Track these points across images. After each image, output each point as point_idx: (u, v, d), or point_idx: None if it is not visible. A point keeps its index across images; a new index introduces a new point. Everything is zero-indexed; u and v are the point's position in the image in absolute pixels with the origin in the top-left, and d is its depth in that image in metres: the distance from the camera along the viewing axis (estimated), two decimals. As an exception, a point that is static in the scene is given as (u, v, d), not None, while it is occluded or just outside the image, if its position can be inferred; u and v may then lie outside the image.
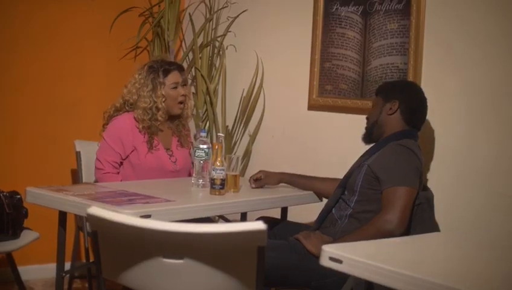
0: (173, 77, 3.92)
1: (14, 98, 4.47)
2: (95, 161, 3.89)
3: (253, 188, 3.70)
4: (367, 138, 3.50)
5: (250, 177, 3.75)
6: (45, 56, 4.54)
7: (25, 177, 4.36)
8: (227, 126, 4.81)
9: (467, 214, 3.65)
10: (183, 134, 4.08)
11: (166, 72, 3.90)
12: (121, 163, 3.91)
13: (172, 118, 4.01)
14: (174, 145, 4.02)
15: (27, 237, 3.82)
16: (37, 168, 4.53)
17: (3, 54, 4.38)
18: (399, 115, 3.38)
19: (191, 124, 5.04)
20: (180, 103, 3.95)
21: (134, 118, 3.89)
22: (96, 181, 3.89)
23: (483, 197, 3.59)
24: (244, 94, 4.77)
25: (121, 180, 3.81)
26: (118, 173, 3.88)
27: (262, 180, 3.71)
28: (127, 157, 3.88)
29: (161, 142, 3.95)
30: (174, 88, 3.91)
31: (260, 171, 3.75)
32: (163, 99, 3.88)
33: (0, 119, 4.43)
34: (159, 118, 3.90)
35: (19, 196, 3.79)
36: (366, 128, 3.49)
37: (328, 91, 4.31)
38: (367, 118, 3.50)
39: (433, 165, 3.79)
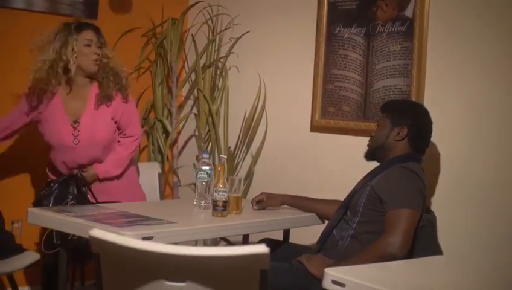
0: (87, 34, 3.85)
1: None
2: None
3: (255, 209, 3.69)
4: (370, 157, 3.49)
5: (253, 199, 3.74)
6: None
7: (25, 194, 4.34)
8: (230, 147, 4.81)
9: (470, 237, 3.64)
10: (106, 91, 3.90)
11: (79, 30, 3.84)
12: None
13: (93, 76, 3.92)
14: (88, 111, 3.89)
15: (28, 258, 3.81)
16: (35, 185, 4.48)
17: (3, 71, 4.36)
18: (406, 141, 3.37)
19: (193, 144, 5.06)
20: (95, 60, 3.86)
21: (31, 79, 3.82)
22: None
23: (486, 221, 3.58)
24: (247, 115, 4.77)
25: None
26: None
27: (264, 202, 3.70)
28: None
29: (67, 110, 3.86)
30: (87, 45, 3.84)
31: (262, 193, 3.74)
32: (74, 54, 3.80)
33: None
34: (71, 74, 3.81)
35: None
36: (370, 147, 3.48)
37: (331, 113, 4.31)
38: (372, 137, 3.48)
39: (437, 187, 3.79)
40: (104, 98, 3.88)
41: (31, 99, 3.83)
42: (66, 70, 3.81)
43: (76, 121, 3.85)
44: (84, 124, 3.85)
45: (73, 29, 3.82)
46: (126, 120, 3.96)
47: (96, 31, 3.89)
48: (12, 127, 3.92)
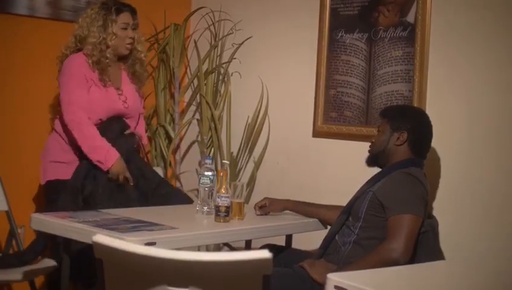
0: (125, 17, 3.94)
1: (14, 124, 4.41)
2: (64, 108, 3.82)
3: (258, 215, 3.69)
4: (371, 163, 3.49)
5: (255, 204, 3.75)
6: (46, 82, 4.43)
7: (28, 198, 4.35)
8: (232, 153, 4.81)
9: (472, 242, 3.64)
10: (138, 73, 4.12)
11: (118, 11, 3.93)
12: None
13: (123, 58, 4.06)
14: (125, 83, 4.06)
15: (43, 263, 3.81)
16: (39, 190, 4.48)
17: (5, 76, 4.36)
18: (407, 146, 3.37)
19: (196, 150, 5.06)
20: (128, 44, 3.97)
21: (84, 54, 3.90)
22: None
23: (487, 226, 3.59)
24: (249, 121, 4.78)
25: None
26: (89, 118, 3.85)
27: (267, 208, 3.70)
28: None
29: (111, 80, 3.96)
30: (123, 29, 3.93)
31: (265, 198, 3.74)
32: (113, 36, 3.90)
33: (1, 144, 4.40)
34: (108, 55, 3.91)
35: None
36: (371, 152, 3.47)
37: (333, 118, 4.31)
38: (372, 143, 3.48)
39: (438, 193, 3.79)
40: (135, 80, 4.14)
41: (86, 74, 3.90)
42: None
43: (119, 88, 4.01)
44: (125, 91, 4.03)
45: (113, 11, 3.91)
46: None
47: (133, 13, 4.00)
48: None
